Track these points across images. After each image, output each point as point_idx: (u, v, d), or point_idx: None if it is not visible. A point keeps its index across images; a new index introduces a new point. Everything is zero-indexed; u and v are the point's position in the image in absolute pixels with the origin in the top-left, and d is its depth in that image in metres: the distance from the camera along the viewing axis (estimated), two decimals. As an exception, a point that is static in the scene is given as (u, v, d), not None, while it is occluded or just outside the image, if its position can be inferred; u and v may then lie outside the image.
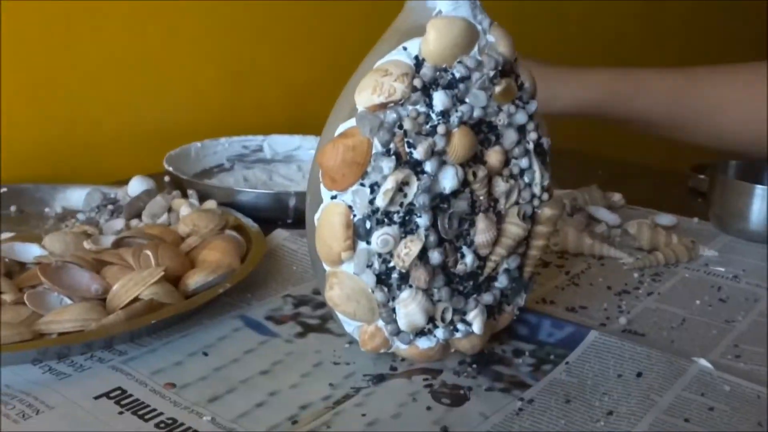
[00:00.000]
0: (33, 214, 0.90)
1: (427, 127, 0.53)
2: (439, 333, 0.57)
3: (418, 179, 0.53)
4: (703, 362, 0.60)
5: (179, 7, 1.16)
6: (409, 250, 0.53)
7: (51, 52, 1.05)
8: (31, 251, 0.73)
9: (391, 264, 0.54)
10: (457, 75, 0.53)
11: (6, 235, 0.78)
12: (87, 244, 0.73)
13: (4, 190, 0.92)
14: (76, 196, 0.93)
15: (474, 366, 0.59)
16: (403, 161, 0.52)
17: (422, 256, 0.54)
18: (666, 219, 0.95)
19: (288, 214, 0.88)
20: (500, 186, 0.57)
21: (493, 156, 0.56)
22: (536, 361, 0.61)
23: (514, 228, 0.57)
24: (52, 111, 1.06)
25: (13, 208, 0.91)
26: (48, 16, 1.03)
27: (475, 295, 0.58)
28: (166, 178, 0.95)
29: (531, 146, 0.58)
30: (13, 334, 0.56)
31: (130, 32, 1.12)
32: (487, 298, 0.58)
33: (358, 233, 0.53)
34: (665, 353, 0.60)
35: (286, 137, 1.14)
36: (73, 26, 1.06)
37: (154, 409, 0.52)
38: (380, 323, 0.56)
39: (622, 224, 0.92)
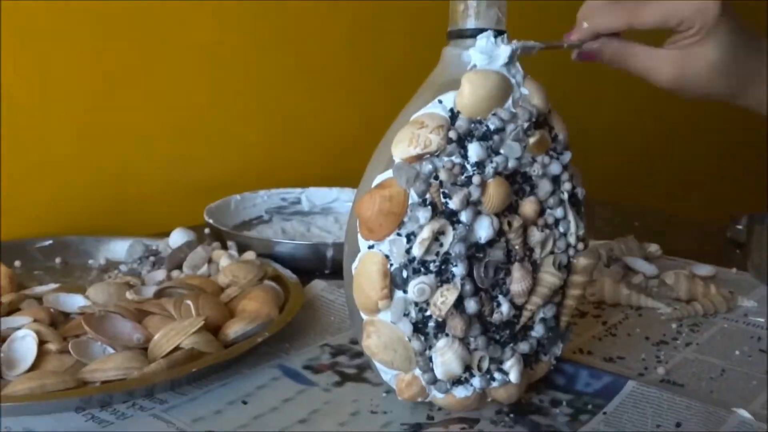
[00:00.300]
0: (77, 266, 0.92)
1: (463, 177, 0.53)
2: (476, 382, 0.57)
3: (454, 229, 0.53)
4: (743, 413, 0.59)
5: (222, 64, 1.19)
6: (445, 298, 0.53)
7: (98, 107, 1.08)
8: (75, 302, 0.75)
9: (428, 313, 0.54)
10: (492, 127, 0.54)
11: (51, 286, 0.80)
12: (129, 295, 0.75)
13: (49, 242, 0.94)
14: (119, 248, 0.95)
15: (511, 416, 0.59)
16: (439, 211, 0.53)
17: (458, 305, 0.54)
18: (704, 269, 0.94)
19: (326, 264, 0.89)
20: (535, 235, 0.57)
21: (528, 206, 0.56)
22: (574, 411, 0.60)
23: (549, 277, 0.57)
24: (98, 165, 1.09)
25: (58, 260, 0.93)
26: (96, 74, 1.06)
27: (511, 344, 0.58)
28: (207, 230, 0.97)
29: (565, 196, 0.58)
30: (58, 382, 0.58)
31: (175, 89, 1.15)
32: (524, 347, 0.58)
33: (395, 282, 0.54)
34: (704, 404, 0.60)
35: (323, 190, 1.16)
36: (121, 83, 1.09)
37: (194, 457, 0.53)
38: (417, 372, 0.56)
39: (660, 275, 0.91)
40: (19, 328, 0.65)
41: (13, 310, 0.73)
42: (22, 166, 1.02)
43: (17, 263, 0.90)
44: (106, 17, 1.06)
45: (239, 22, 1.20)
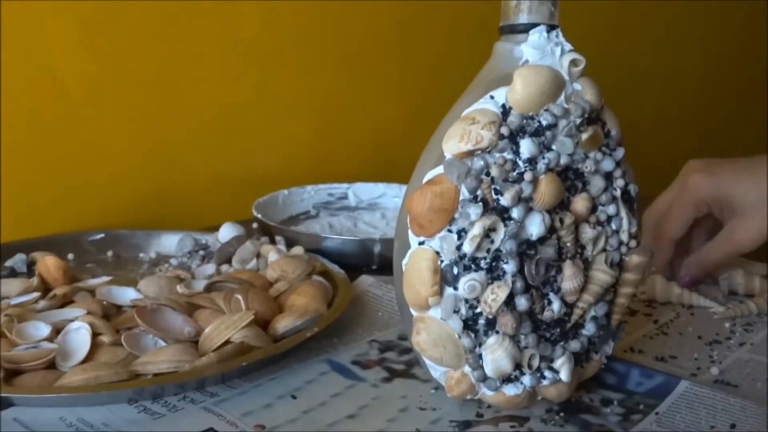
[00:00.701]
0: (129, 259, 0.94)
1: (514, 174, 0.53)
2: (526, 380, 0.56)
3: (505, 225, 0.53)
4: (801, 415, 0.58)
5: (270, 58, 1.20)
6: (496, 296, 0.53)
7: (149, 102, 1.09)
8: (127, 294, 0.76)
9: (478, 310, 0.54)
10: (544, 123, 0.53)
11: (104, 278, 0.81)
12: (180, 288, 0.76)
13: (101, 236, 0.95)
14: (169, 242, 0.96)
15: (561, 414, 0.59)
16: (490, 208, 0.53)
17: (509, 302, 0.54)
18: (758, 268, 0.92)
19: (373, 260, 0.89)
20: (587, 233, 0.56)
21: (580, 203, 0.56)
22: (625, 411, 0.59)
23: (601, 275, 0.57)
24: (149, 159, 1.11)
25: (110, 253, 0.94)
26: (146, 68, 1.08)
27: (562, 343, 0.57)
28: (255, 225, 0.98)
29: (618, 193, 0.57)
30: (111, 374, 0.58)
31: (224, 83, 1.16)
32: (575, 345, 0.58)
33: (445, 279, 0.53)
34: (760, 405, 0.59)
35: (370, 185, 1.16)
36: (169, 77, 1.10)
37: (245, 450, 0.53)
38: (467, 369, 0.56)
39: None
40: (73, 320, 0.66)
41: (67, 302, 0.74)
42: (76, 160, 1.04)
43: (70, 256, 0.91)
44: (155, 14, 1.07)
45: (286, 17, 1.21)
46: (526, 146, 0.53)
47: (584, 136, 0.54)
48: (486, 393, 0.57)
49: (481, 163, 0.52)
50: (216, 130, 1.17)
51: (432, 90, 1.32)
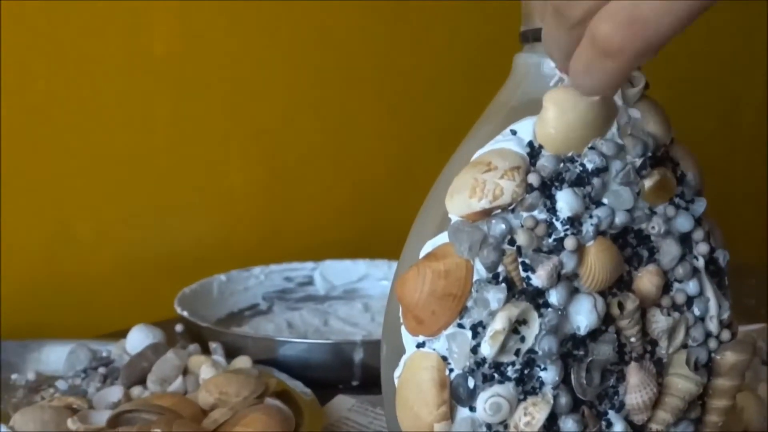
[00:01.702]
0: (-4, 383, 0.93)
1: (550, 241, 0.54)
2: None
3: (540, 315, 0.53)
4: None
5: (192, 80, 1.21)
6: (531, 417, 0.53)
7: (26, 152, 1.10)
8: (-7, 437, 0.75)
9: (507, 439, 0.54)
10: (590, 166, 0.54)
11: (-40, 414, 0.81)
12: (72, 424, 0.75)
13: (-45, 351, 0.95)
14: (54, 357, 0.95)
15: None
16: (517, 291, 0.53)
17: (550, 426, 0.54)
18: None
19: (353, 373, 0.89)
20: (659, 322, 0.57)
21: (647, 279, 0.56)
22: None
23: (682, 382, 0.57)
24: (27, 239, 1.10)
25: (-32, 376, 0.94)
26: (28, 126, 1.09)
27: (631, 483, 0.57)
28: (179, 327, 0.98)
29: (701, 263, 0.58)
30: None
31: (127, 118, 1.17)
32: (650, 486, 0.58)
33: (457, 396, 0.54)
34: None
35: (345, 263, 1.17)
36: (48, 115, 1.11)
37: None
38: None
39: None
40: None
41: None
42: None
43: None
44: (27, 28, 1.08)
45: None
46: (566, 200, 0.53)
47: (648, 183, 0.55)
48: None
49: (503, 226, 0.53)
50: (115, 192, 1.17)
51: (428, 122, 1.33)
